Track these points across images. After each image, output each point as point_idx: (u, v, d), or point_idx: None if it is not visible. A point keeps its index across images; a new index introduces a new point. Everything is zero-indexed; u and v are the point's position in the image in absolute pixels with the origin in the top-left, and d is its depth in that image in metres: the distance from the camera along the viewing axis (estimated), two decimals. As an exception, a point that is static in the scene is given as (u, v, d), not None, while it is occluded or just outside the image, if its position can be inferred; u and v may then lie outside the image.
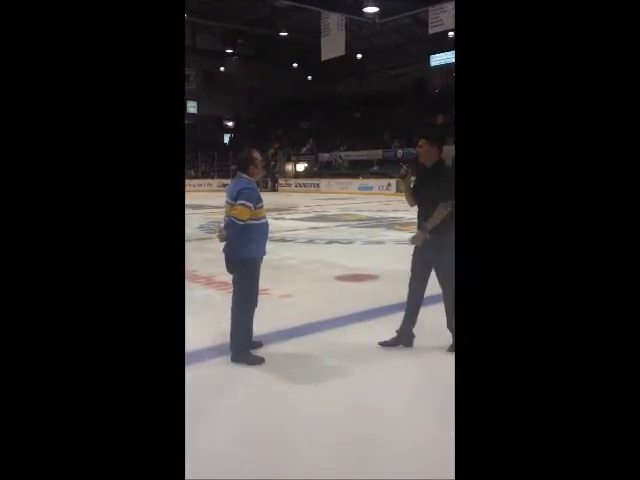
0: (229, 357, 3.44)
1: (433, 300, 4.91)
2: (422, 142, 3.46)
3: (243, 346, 3.45)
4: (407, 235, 10.06)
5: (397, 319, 4.48)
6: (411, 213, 15.52)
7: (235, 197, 3.34)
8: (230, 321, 3.50)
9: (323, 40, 23.49)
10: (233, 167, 3.68)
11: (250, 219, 3.35)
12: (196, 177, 32.74)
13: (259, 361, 3.41)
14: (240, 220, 3.30)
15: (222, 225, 3.48)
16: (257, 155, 3.56)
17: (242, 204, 3.31)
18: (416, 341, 3.69)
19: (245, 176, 3.46)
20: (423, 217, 3.50)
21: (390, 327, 4.26)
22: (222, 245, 3.49)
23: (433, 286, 3.50)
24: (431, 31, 21.35)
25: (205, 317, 4.48)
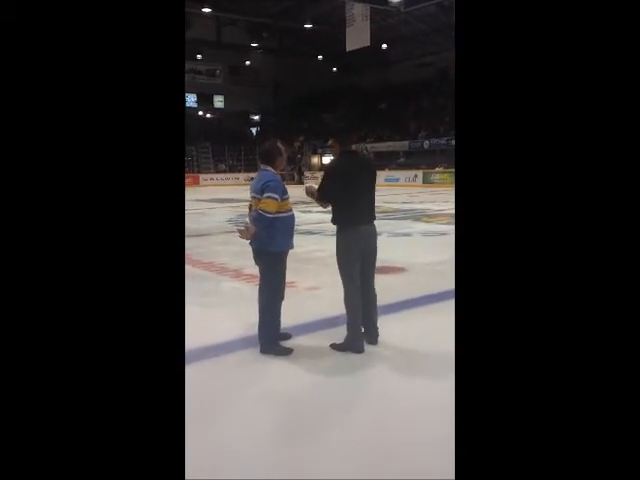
0: (258, 348, 3.50)
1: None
2: (330, 141, 3.73)
3: (271, 337, 3.50)
4: (434, 227, 10.00)
5: (425, 311, 4.49)
6: (438, 205, 15.31)
7: (261, 190, 3.35)
8: (258, 313, 3.55)
9: (348, 31, 23.38)
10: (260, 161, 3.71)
11: (277, 212, 3.36)
12: (224, 171, 33.05)
13: (287, 352, 3.46)
14: (268, 213, 3.31)
15: (247, 221, 3.49)
16: (281, 146, 3.57)
17: (269, 196, 3.31)
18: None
19: (269, 169, 3.47)
20: None
21: (418, 319, 4.27)
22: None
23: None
24: (457, 19, 21.01)
25: (234, 309, 4.55)
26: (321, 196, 3.53)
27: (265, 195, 3.32)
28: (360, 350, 3.48)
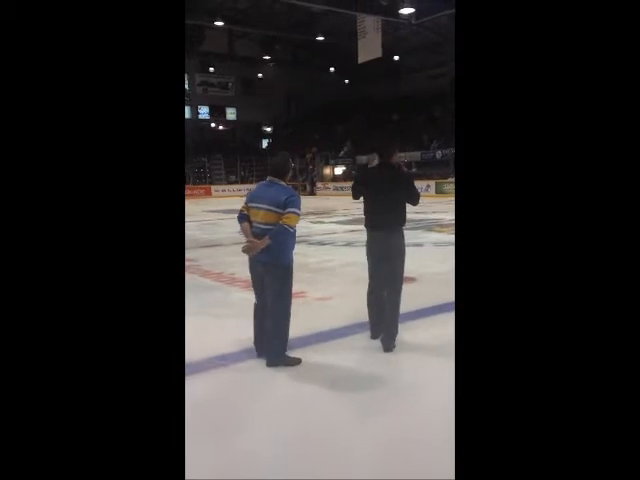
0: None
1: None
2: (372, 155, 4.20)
3: (279, 350, 3.45)
4: (446, 237, 9.93)
5: (436, 321, 4.44)
6: (450, 215, 15.27)
7: (284, 205, 3.34)
8: (267, 326, 3.49)
9: (359, 43, 23.46)
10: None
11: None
12: (236, 182, 33.26)
13: (296, 362, 3.43)
14: (292, 227, 3.35)
15: (251, 236, 3.44)
16: (290, 159, 3.63)
17: (294, 212, 3.35)
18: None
19: (282, 182, 3.48)
20: None
21: (429, 329, 4.22)
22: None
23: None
24: (469, 30, 21.03)
25: (243, 320, 4.52)
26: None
27: (289, 210, 3.34)
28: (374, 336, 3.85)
